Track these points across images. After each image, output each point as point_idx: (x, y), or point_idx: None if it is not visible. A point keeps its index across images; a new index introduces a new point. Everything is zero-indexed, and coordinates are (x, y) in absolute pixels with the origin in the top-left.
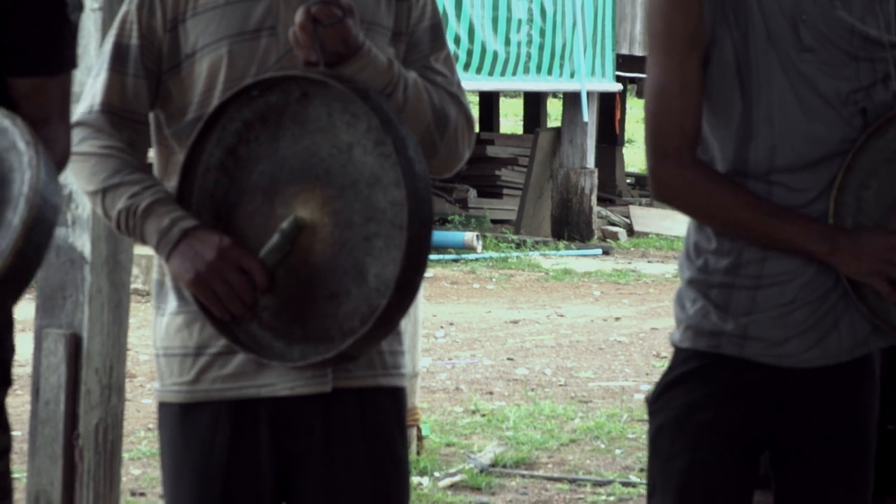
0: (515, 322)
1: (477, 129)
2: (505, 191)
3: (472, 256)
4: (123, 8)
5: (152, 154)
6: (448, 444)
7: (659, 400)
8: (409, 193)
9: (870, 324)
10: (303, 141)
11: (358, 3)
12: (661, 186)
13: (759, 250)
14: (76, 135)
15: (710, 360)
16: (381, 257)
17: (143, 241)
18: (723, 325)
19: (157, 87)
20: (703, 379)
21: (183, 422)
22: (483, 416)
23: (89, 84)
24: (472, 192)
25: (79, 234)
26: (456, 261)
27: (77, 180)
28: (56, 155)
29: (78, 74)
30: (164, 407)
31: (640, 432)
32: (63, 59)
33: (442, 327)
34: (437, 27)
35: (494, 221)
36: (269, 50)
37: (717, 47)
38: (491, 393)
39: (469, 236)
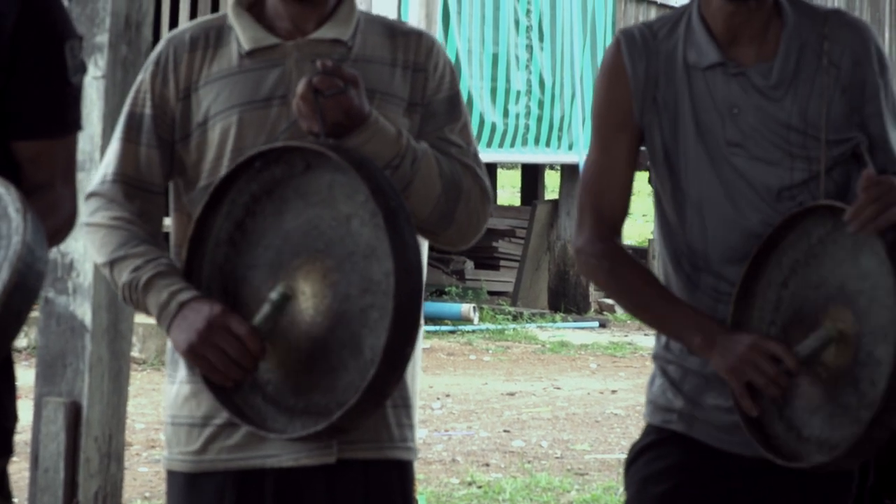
0: (512, 394)
1: None
2: (502, 262)
3: (468, 328)
4: (139, 77)
5: (168, 222)
6: None
7: (626, 475)
8: (396, 263)
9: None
10: (306, 213)
11: (372, 73)
12: (578, 261)
13: None
14: (90, 205)
15: (664, 436)
16: (376, 329)
17: (147, 313)
18: (675, 401)
19: (171, 157)
20: (658, 453)
21: (190, 491)
22: (479, 487)
23: (106, 154)
24: (470, 264)
25: (80, 302)
26: (452, 332)
27: (91, 251)
28: (59, 219)
29: (80, 141)
30: (171, 475)
31: None
32: (66, 121)
33: (438, 398)
34: (454, 98)
35: (491, 293)
36: (279, 119)
37: (648, 132)
38: (487, 465)
39: (466, 308)
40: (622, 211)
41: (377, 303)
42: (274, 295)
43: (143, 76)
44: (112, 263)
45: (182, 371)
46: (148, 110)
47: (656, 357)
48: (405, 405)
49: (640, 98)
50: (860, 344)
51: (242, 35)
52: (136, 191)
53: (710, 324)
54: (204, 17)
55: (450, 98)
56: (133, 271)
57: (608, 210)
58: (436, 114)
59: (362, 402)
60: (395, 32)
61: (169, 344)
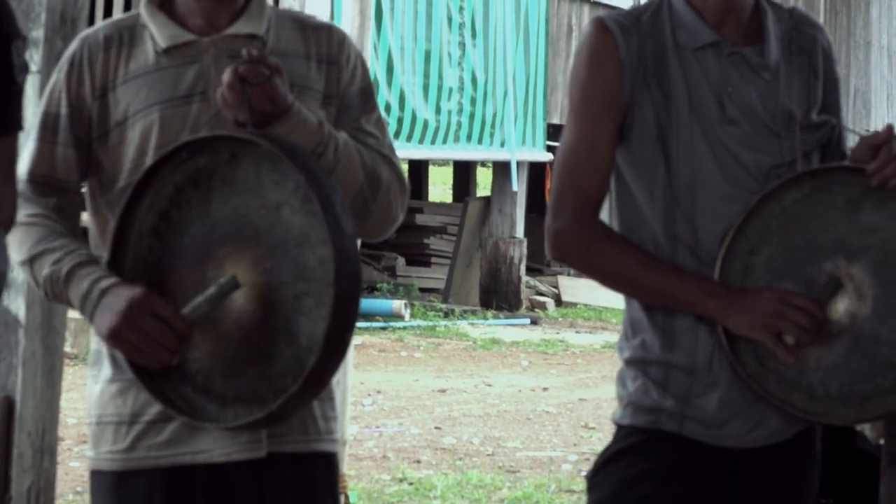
0: (443, 391)
1: None
2: (433, 259)
3: (399, 324)
4: (53, 77)
5: (86, 218)
6: None
7: (598, 475)
8: (335, 250)
9: (749, 390)
10: (232, 202)
11: (288, 67)
12: (557, 243)
13: (692, 331)
14: None
15: (650, 436)
16: (311, 316)
17: (70, 306)
18: (662, 401)
19: (87, 156)
20: (643, 454)
21: (118, 490)
22: (410, 484)
23: (21, 154)
24: (401, 261)
25: (13, 297)
26: (384, 329)
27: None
28: (2, 217)
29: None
30: (97, 475)
31: (569, 503)
32: (10, 121)
33: (369, 395)
34: (367, 90)
35: (423, 290)
36: (200, 115)
37: (638, 109)
38: (418, 461)
39: (397, 304)
40: (603, 192)
41: (312, 290)
42: (223, 279)
43: (58, 76)
44: (31, 260)
45: (106, 370)
46: (63, 110)
47: (631, 361)
48: (329, 397)
49: (631, 75)
50: (879, 296)
51: (158, 33)
52: (51, 189)
53: (721, 287)
54: (117, 16)
55: (363, 90)
56: (53, 264)
57: (591, 190)
58: (351, 105)
59: (304, 389)
60: (305, 26)
61: (92, 344)
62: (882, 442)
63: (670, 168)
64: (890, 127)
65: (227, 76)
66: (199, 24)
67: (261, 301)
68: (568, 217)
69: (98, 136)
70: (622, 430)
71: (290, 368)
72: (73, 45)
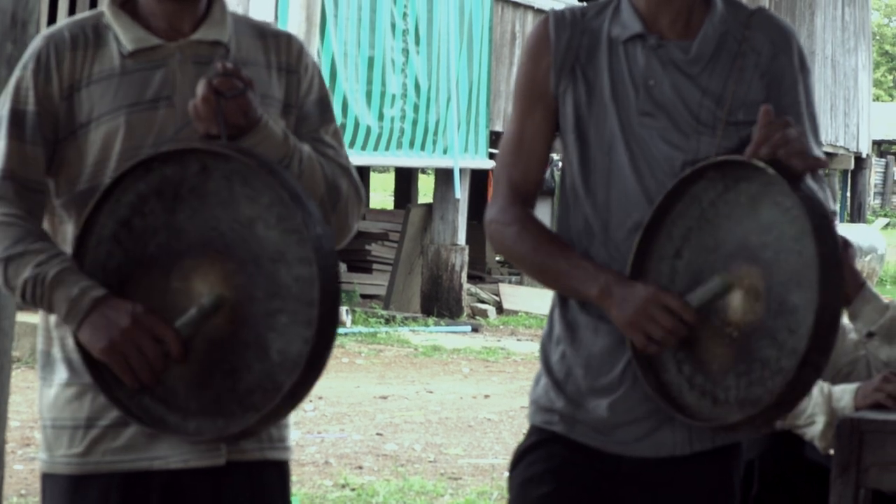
0: (384, 397)
1: None
2: (375, 266)
3: (341, 331)
4: (17, 73)
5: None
6: None
7: (510, 477)
8: (320, 270)
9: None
10: (202, 214)
11: (251, 75)
12: (488, 232)
13: (593, 329)
14: None
15: (546, 437)
16: (285, 333)
17: (50, 310)
18: (556, 403)
19: (52, 156)
20: (540, 454)
21: (73, 494)
22: (353, 490)
23: None
24: (342, 267)
25: None
26: None
27: None
28: None
29: None
30: (51, 478)
31: None
32: None
33: (311, 401)
34: (324, 100)
35: (364, 296)
36: (166, 121)
37: (563, 101)
38: (360, 467)
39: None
40: (535, 182)
41: (287, 307)
42: (206, 300)
43: (23, 73)
44: (7, 260)
45: (61, 373)
46: (31, 107)
47: (543, 352)
48: None
49: (558, 67)
50: (771, 296)
51: (123, 35)
52: (24, 189)
53: (606, 275)
54: (79, 14)
55: (320, 100)
56: (37, 266)
57: (520, 180)
58: (309, 115)
59: (280, 407)
60: (264, 34)
61: (40, 346)
62: (831, 452)
63: (586, 161)
64: (765, 107)
65: (201, 88)
66: (163, 27)
67: (230, 315)
68: (499, 205)
69: (64, 136)
70: (529, 430)
71: (261, 384)
72: (38, 43)
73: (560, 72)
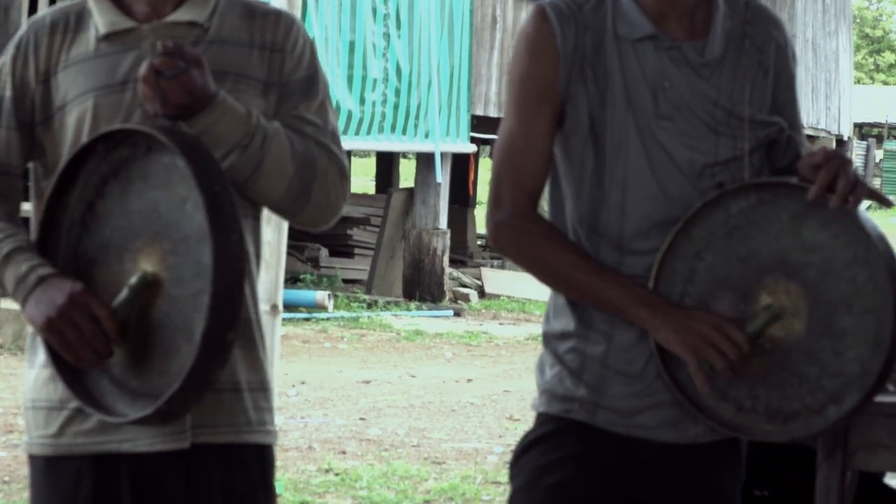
0: (367, 382)
1: None
2: (357, 250)
3: (323, 315)
4: (0, 60)
5: (27, 207)
6: (302, 503)
7: (515, 465)
8: (214, 248)
9: (678, 403)
10: (147, 195)
11: (228, 54)
12: (497, 237)
13: (609, 321)
14: None
15: (563, 425)
16: (206, 313)
17: (3, 289)
18: (575, 390)
19: (31, 141)
20: (555, 443)
21: (48, 475)
22: (336, 475)
23: None
24: (324, 252)
25: None
26: (307, 319)
27: None
28: None
29: None
30: (31, 459)
31: (495, 494)
32: None
33: (294, 386)
34: (312, 78)
35: (346, 281)
36: (134, 102)
37: (572, 101)
38: (344, 452)
39: (320, 295)
40: (542, 184)
41: (207, 287)
42: (133, 280)
43: (4, 59)
44: None
45: (41, 355)
46: (8, 93)
47: (548, 344)
48: (262, 388)
49: (567, 67)
50: (813, 316)
51: (99, 19)
52: None
53: (656, 298)
54: (65, 1)
55: (309, 77)
56: None
57: (529, 183)
58: (292, 93)
59: (185, 388)
60: (254, 13)
61: (30, 328)
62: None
63: (601, 162)
64: (824, 150)
65: (142, 69)
66: (144, 10)
67: (164, 296)
68: (507, 210)
69: (41, 120)
70: (539, 418)
71: (185, 366)
72: (22, 30)
73: (569, 72)
